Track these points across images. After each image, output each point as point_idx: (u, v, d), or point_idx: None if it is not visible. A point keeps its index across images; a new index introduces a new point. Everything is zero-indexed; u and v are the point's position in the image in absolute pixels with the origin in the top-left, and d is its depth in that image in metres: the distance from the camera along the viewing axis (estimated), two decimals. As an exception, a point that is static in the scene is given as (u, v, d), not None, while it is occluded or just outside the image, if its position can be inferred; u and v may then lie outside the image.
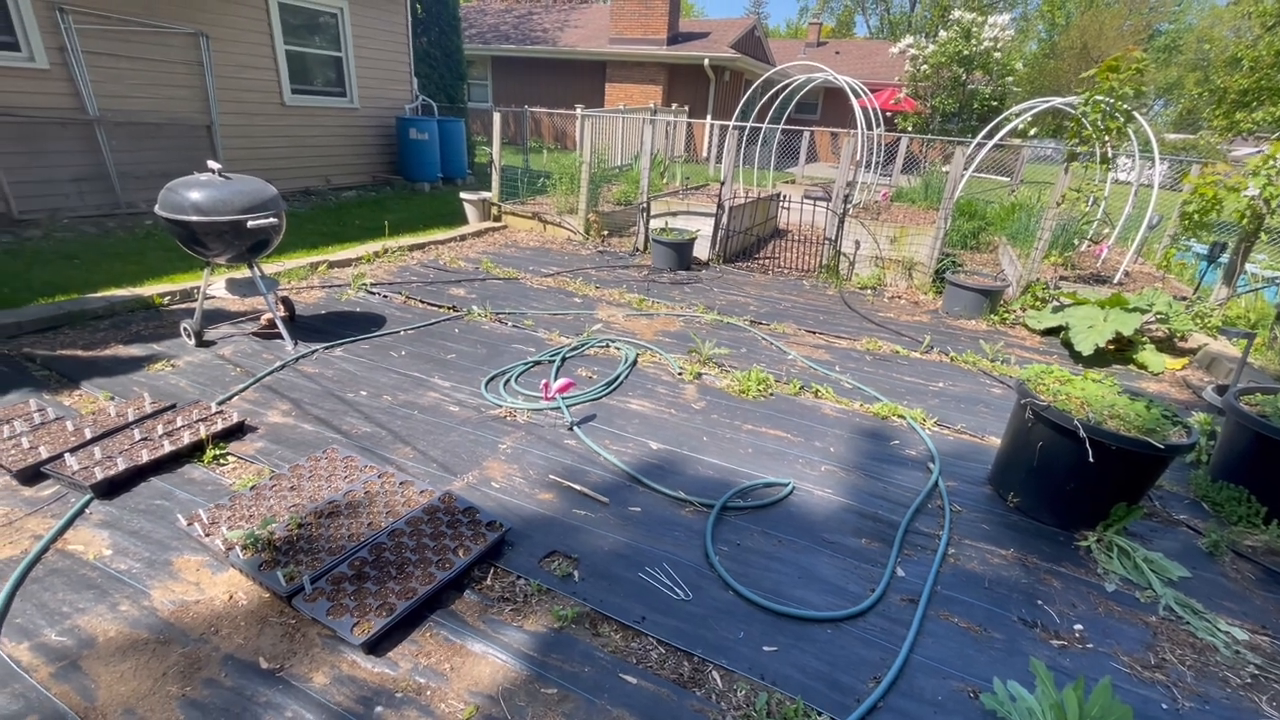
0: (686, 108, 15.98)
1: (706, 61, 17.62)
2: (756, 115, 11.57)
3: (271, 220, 3.69)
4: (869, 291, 6.48)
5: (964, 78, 15.23)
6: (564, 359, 4.13)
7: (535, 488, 2.76)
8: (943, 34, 15.13)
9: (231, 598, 2.05)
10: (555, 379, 3.73)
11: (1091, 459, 2.48)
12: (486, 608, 2.09)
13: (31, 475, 2.55)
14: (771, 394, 3.85)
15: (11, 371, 3.45)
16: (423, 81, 11.80)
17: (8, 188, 6.10)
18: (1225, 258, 5.51)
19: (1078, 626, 2.20)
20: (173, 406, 3.12)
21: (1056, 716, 1.65)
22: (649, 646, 2.00)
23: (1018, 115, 8.55)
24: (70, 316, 4.15)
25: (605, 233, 7.98)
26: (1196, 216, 5.16)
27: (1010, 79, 15.37)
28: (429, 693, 1.78)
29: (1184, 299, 5.47)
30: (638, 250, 7.47)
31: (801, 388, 3.94)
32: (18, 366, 3.52)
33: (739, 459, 3.10)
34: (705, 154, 17.94)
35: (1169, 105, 38.72)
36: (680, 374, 4.04)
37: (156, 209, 3.54)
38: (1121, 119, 6.05)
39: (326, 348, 4.05)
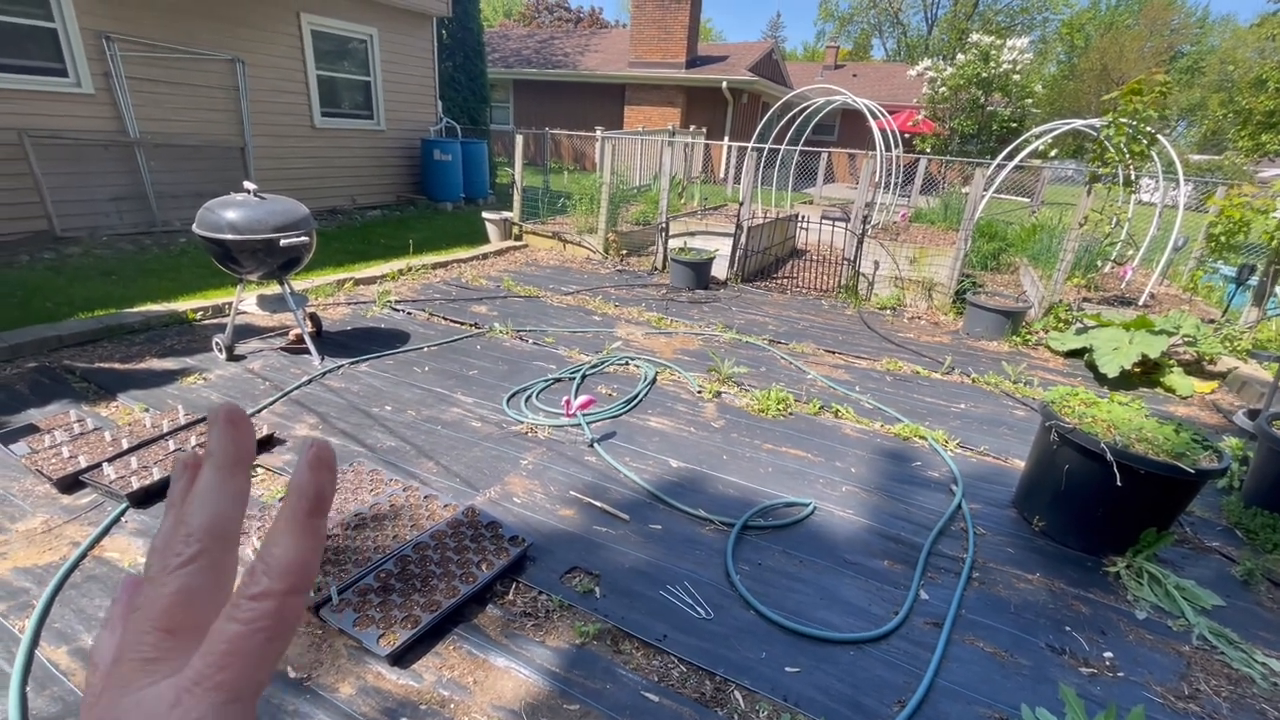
0: (704, 130, 16.17)
1: (724, 84, 17.85)
2: (775, 137, 11.68)
3: (303, 239, 3.80)
4: (888, 312, 6.46)
5: (983, 100, 15.25)
6: (584, 376, 4.17)
7: (556, 504, 2.79)
8: (960, 57, 15.19)
9: (260, 607, 2.09)
10: (576, 396, 3.77)
11: (1119, 483, 2.44)
12: (509, 622, 2.10)
13: (71, 484, 2.63)
14: (791, 413, 3.85)
15: (52, 383, 3.57)
16: (447, 104, 12.10)
17: (51, 206, 6.34)
18: (1254, 280, 5.42)
19: (1108, 654, 2.16)
20: (205, 418, 3.20)
21: (1087, 745, 1.62)
22: (670, 665, 2.00)
23: (1038, 137, 8.54)
24: (108, 330, 4.28)
25: (624, 252, 8.06)
26: (1224, 238, 5.11)
27: (1029, 101, 15.36)
28: (453, 705, 1.79)
29: (1212, 321, 5.39)
30: (656, 269, 7.53)
31: (821, 407, 3.93)
32: (58, 378, 3.64)
33: (759, 478, 3.10)
34: (723, 175, 18.09)
35: (1192, 126, 38.35)
36: (699, 392, 4.06)
37: (194, 227, 3.67)
38: (1145, 141, 6.03)
39: (352, 363, 4.13)
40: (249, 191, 3.76)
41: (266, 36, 8.06)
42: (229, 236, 3.58)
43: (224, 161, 7.82)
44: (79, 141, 6.47)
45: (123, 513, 2.51)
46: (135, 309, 4.68)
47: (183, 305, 4.85)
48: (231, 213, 3.60)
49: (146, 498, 2.60)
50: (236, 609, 0.26)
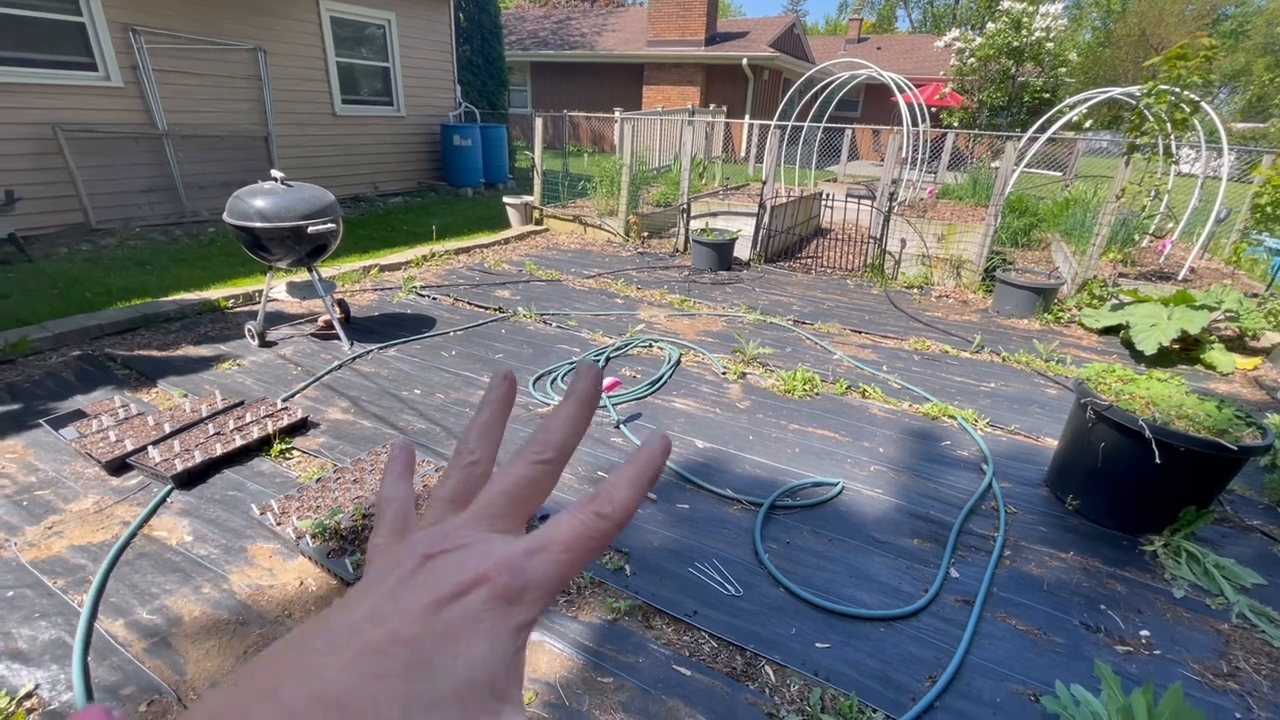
0: (725, 108, 15.93)
1: (745, 61, 17.52)
2: (797, 114, 11.47)
3: (330, 226, 3.85)
4: (915, 291, 6.35)
5: (1014, 70, 14.75)
6: (608, 359, 4.19)
7: (584, 484, 2.82)
8: (991, 25, 14.69)
9: (302, 583, 2.16)
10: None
11: (1158, 460, 2.39)
12: (541, 598, 2.14)
13: (118, 466, 2.73)
14: (818, 394, 3.83)
15: (96, 370, 3.70)
16: (465, 89, 12.09)
17: (87, 199, 6.51)
18: (1301, 252, 5.21)
19: (1144, 632, 2.13)
20: (241, 403, 3.29)
21: (1124, 721, 1.61)
22: (701, 640, 2.02)
23: (1071, 108, 8.25)
24: (145, 319, 4.41)
25: (645, 234, 8.03)
26: (1270, 209, 4.90)
27: (1063, 70, 14.82)
28: (490, 678, 1.84)
29: (1256, 296, 5.20)
30: (678, 251, 7.49)
31: (848, 387, 3.90)
32: (101, 366, 3.76)
33: (786, 458, 3.10)
34: (744, 154, 17.85)
35: (1236, 93, 36.69)
36: (724, 373, 4.05)
37: (224, 216, 3.74)
38: (1188, 109, 5.79)
39: (381, 348, 4.20)
40: (276, 180, 3.81)
41: (286, 24, 8.12)
42: (258, 224, 3.64)
43: (249, 151, 7.94)
44: (110, 135, 6.61)
45: (168, 494, 2.61)
46: (170, 298, 4.81)
47: (215, 293, 4.96)
48: (260, 201, 3.66)
49: (189, 479, 2.69)
50: (582, 513, 0.31)
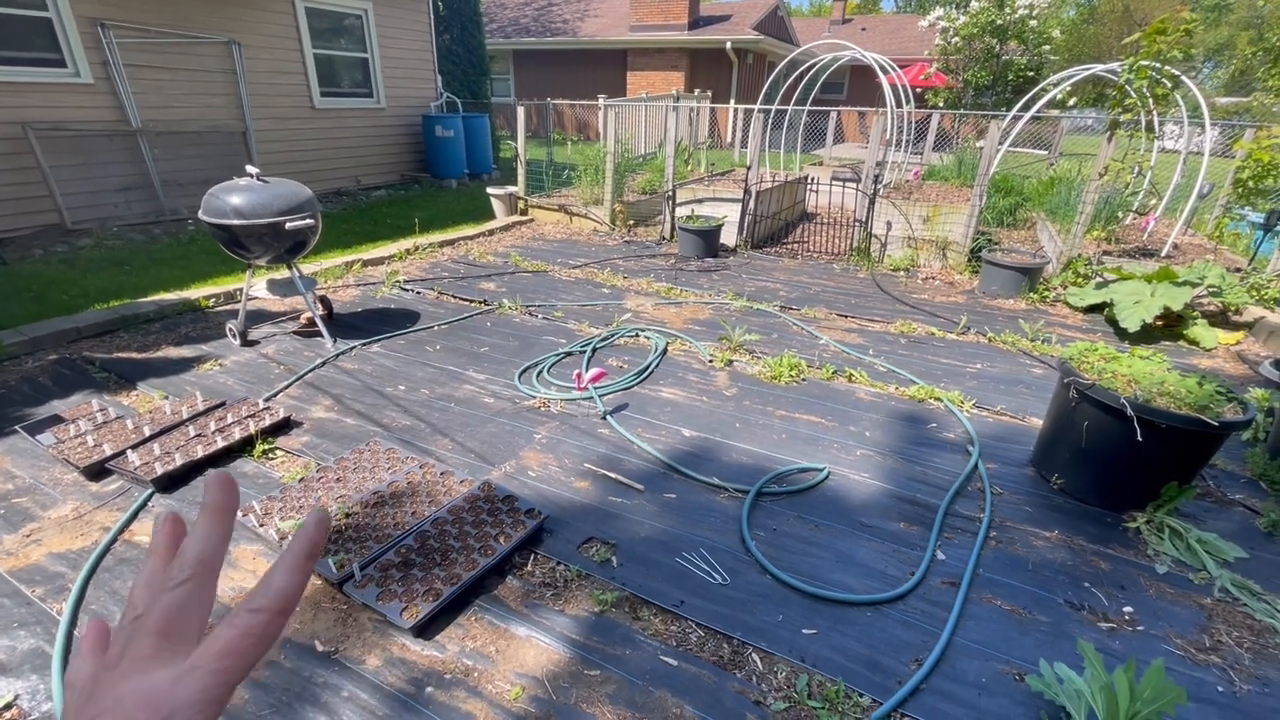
0: (710, 93, 15.80)
1: (729, 45, 17.37)
2: (782, 97, 11.39)
3: (308, 221, 3.79)
4: (901, 273, 6.35)
5: (998, 49, 14.70)
6: (594, 349, 4.17)
7: (571, 476, 2.81)
8: (974, 4, 14.61)
9: (286, 585, 2.14)
10: (587, 369, 3.77)
11: (1140, 438, 2.41)
12: (528, 593, 2.14)
13: (97, 471, 2.69)
14: (804, 379, 3.83)
15: (74, 374, 3.64)
16: (446, 79, 11.92)
17: (61, 199, 6.38)
18: (1282, 226, 5.24)
19: (1127, 609, 2.15)
20: (223, 404, 3.25)
21: (1106, 698, 1.62)
22: (689, 629, 2.02)
23: (1055, 85, 8.23)
24: (124, 320, 4.34)
25: (631, 222, 7.98)
26: (1251, 183, 4.93)
27: (1047, 47, 14.78)
28: (476, 674, 1.83)
29: (1238, 270, 5.23)
30: (664, 239, 7.45)
31: (834, 372, 3.90)
32: (79, 369, 3.70)
33: (773, 445, 3.10)
34: (730, 139, 17.74)
35: (1219, 67, 36.76)
36: (711, 361, 4.04)
37: (200, 214, 3.67)
38: (1169, 85, 5.79)
39: (364, 344, 4.16)
40: (252, 176, 3.75)
41: (260, 16, 7.95)
42: (234, 222, 3.58)
43: (227, 147, 7.80)
44: (82, 133, 6.47)
45: (149, 498, 2.57)
46: (149, 298, 4.73)
47: (195, 293, 4.89)
48: (236, 198, 3.60)
49: (171, 483, 2.66)
50: (236, 617, 0.34)
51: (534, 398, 3.50)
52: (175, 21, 7.06)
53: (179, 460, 2.70)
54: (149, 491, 2.60)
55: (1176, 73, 5.53)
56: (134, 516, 2.46)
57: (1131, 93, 5.27)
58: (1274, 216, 5.31)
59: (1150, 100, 5.53)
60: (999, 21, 14.14)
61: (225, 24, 7.55)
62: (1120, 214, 6.70)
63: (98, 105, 6.59)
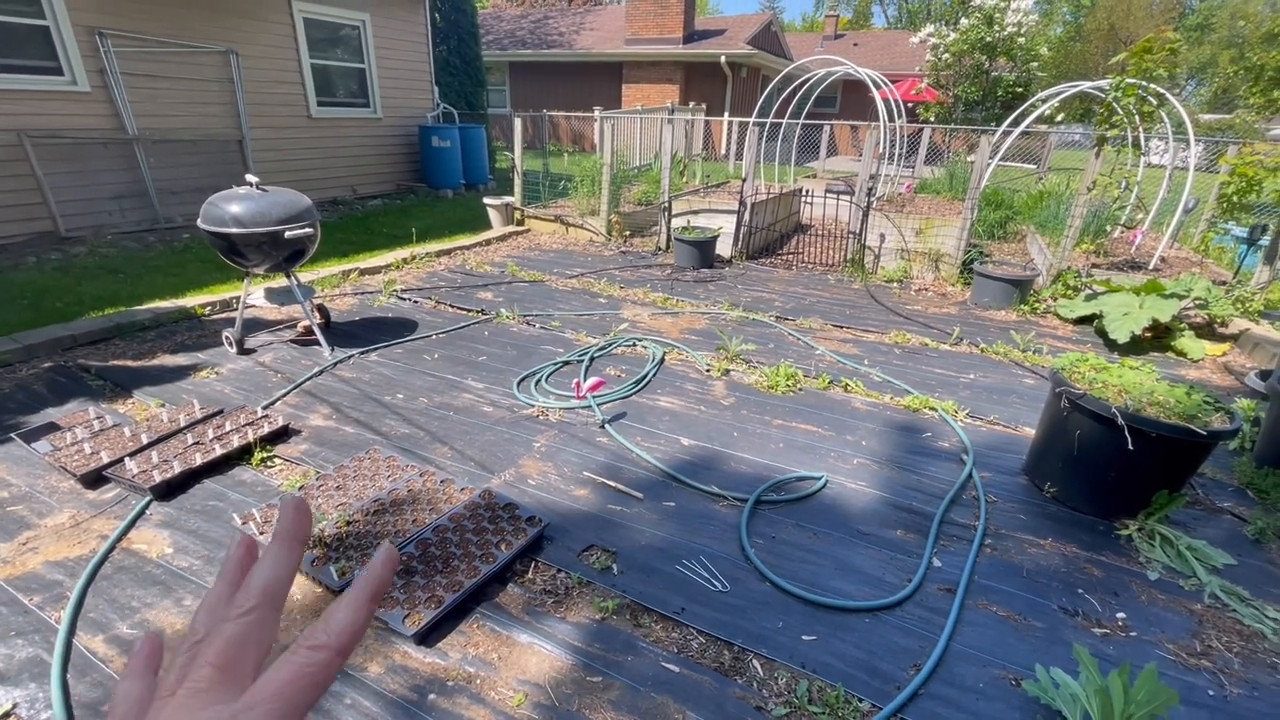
0: (704, 106, 15.96)
1: (723, 59, 17.57)
2: (776, 111, 11.53)
3: (307, 230, 3.81)
4: (895, 285, 6.43)
5: (987, 65, 14.96)
6: (592, 359, 4.19)
7: (571, 484, 2.82)
8: (964, 21, 14.88)
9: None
10: (585, 378, 3.79)
11: (1131, 447, 2.45)
12: (530, 600, 2.15)
13: (94, 479, 2.68)
14: (800, 389, 3.86)
15: (69, 382, 3.62)
16: (443, 90, 11.98)
17: (55, 207, 6.36)
18: (1266, 240, 5.35)
19: (1120, 615, 2.19)
20: (220, 412, 3.24)
21: (1101, 702, 1.65)
22: (689, 636, 2.04)
23: (1044, 101, 8.39)
24: (119, 328, 4.32)
25: (627, 233, 8.03)
26: (1235, 198, 5.04)
27: (1035, 64, 15.06)
28: (479, 681, 1.84)
29: (1224, 283, 5.33)
30: (660, 249, 7.50)
31: (830, 382, 3.94)
32: (74, 377, 3.69)
33: (770, 454, 3.13)
34: (724, 151, 17.91)
35: (1202, 85, 37.49)
36: (708, 371, 4.07)
37: (199, 222, 3.68)
38: (1155, 102, 5.92)
39: (362, 353, 4.16)
40: (251, 184, 3.76)
41: (258, 26, 7.99)
42: (234, 230, 3.59)
43: (223, 155, 7.81)
44: (78, 140, 6.47)
45: (146, 506, 2.57)
46: (144, 306, 4.72)
47: (191, 301, 4.88)
48: (235, 206, 3.61)
49: (169, 491, 2.65)
50: (296, 654, 0.32)
51: (533, 406, 3.51)
52: (173, 31, 7.09)
53: (177, 468, 2.70)
54: (147, 499, 2.59)
55: (1162, 90, 5.66)
56: (132, 524, 2.46)
57: (1119, 110, 5.39)
58: (1257, 230, 5.42)
59: (1136, 117, 5.64)
60: (988, 39, 14.40)
61: (223, 34, 7.59)
62: (1108, 227, 6.82)
63: (94, 113, 6.60)
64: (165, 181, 7.24)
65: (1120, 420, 2.46)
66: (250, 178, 3.79)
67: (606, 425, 3.32)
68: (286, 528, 0.37)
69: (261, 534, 2.33)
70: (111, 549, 2.32)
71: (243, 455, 2.93)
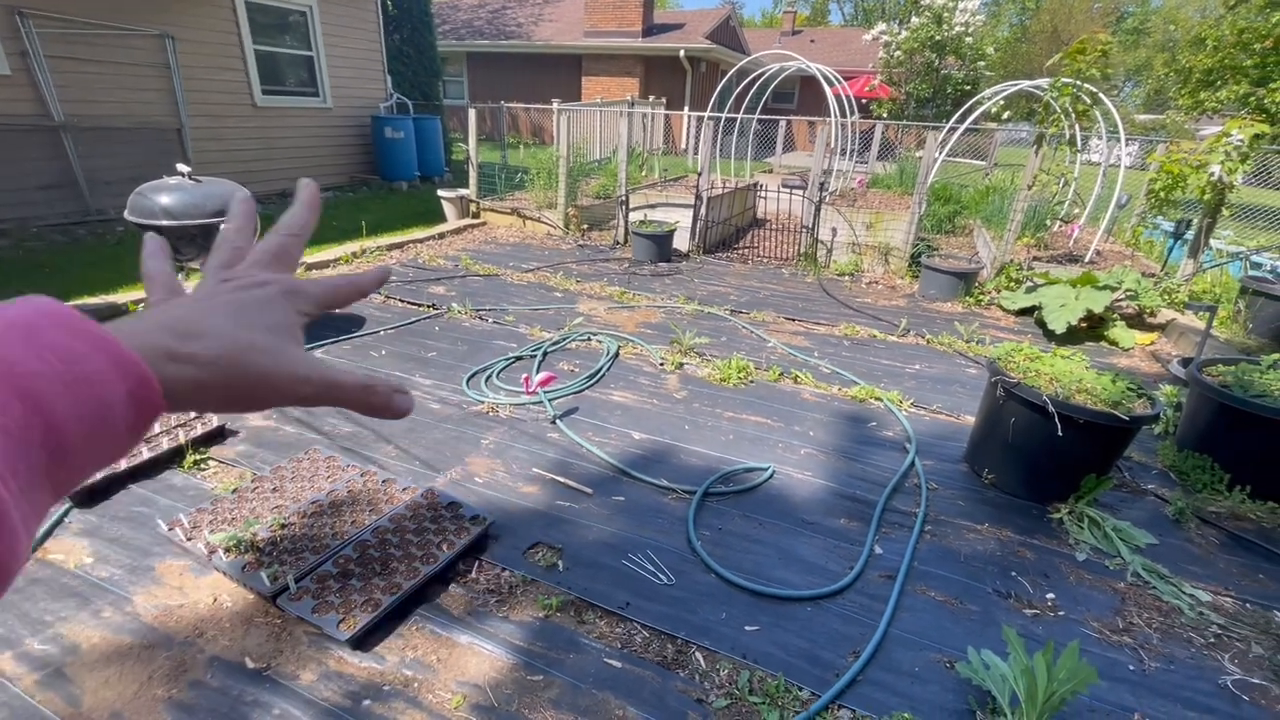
0: (664, 100, 15.95)
1: (682, 53, 17.59)
2: (733, 105, 11.60)
3: (244, 223, 3.66)
4: (847, 278, 6.55)
5: (937, 63, 15.35)
6: (545, 354, 4.15)
7: (519, 481, 2.79)
8: (915, 20, 15.22)
9: (216, 600, 2.06)
10: (537, 373, 3.75)
11: (1061, 433, 2.55)
12: (472, 600, 2.11)
13: (7, 487, 2.52)
14: (752, 381, 3.90)
15: (-17, 384, 3.40)
16: (397, 79, 11.67)
17: (-28, 198, 5.96)
18: (1191, 234, 5.63)
19: (1050, 595, 2.27)
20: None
21: (1027, 681, 1.71)
22: (634, 631, 2.03)
23: (988, 99, 8.65)
24: (42, 327, 4.08)
25: (585, 227, 7.98)
26: (1162, 194, 5.28)
27: (982, 63, 15.52)
28: (416, 684, 1.80)
29: (1152, 276, 5.60)
30: (618, 243, 7.48)
31: (781, 374, 3.99)
32: (-11, 379, 3.46)
33: (721, 446, 3.15)
34: (684, 145, 17.93)
35: (1138, 86, 39.24)
36: (662, 365, 4.07)
37: (126, 214, 3.50)
38: (1089, 101, 6.15)
39: (306, 350, 4.02)
40: (183, 174, 3.60)
41: (196, 9, 7.62)
42: (164, 223, 3.43)
43: (160, 144, 7.44)
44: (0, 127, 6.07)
45: (66, 514, 2.43)
46: (71, 302, 4.46)
47: (123, 297, 4.64)
48: (165, 198, 3.45)
49: (91, 497, 2.52)
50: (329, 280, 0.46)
51: (482, 403, 3.46)
52: (103, 12, 6.70)
53: (100, 474, 2.56)
54: (66, 507, 2.45)
55: (1095, 90, 5.89)
56: (49, 534, 2.32)
57: (1056, 108, 5.58)
58: (1183, 225, 5.70)
59: (1073, 115, 5.86)
60: (938, 37, 14.78)
61: (157, 16, 7.21)
62: (1048, 222, 7.08)
63: (16, 98, 6.19)
64: (97, 171, 6.86)
65: (1051, 408, 2.56)
66: (182, 168, 3.62)
67: (558, 421, 3.29)
68: (307, 196, 0.48)
69: (189, 540, 2.23)
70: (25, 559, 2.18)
71: (174, 458, 2.80)
